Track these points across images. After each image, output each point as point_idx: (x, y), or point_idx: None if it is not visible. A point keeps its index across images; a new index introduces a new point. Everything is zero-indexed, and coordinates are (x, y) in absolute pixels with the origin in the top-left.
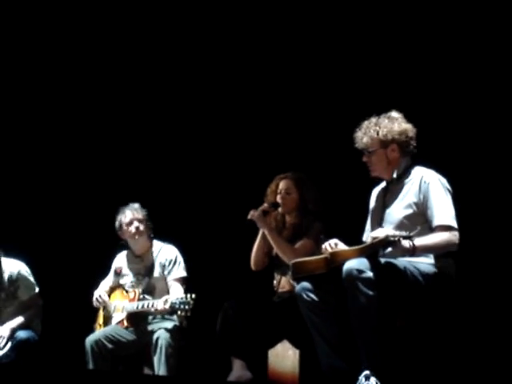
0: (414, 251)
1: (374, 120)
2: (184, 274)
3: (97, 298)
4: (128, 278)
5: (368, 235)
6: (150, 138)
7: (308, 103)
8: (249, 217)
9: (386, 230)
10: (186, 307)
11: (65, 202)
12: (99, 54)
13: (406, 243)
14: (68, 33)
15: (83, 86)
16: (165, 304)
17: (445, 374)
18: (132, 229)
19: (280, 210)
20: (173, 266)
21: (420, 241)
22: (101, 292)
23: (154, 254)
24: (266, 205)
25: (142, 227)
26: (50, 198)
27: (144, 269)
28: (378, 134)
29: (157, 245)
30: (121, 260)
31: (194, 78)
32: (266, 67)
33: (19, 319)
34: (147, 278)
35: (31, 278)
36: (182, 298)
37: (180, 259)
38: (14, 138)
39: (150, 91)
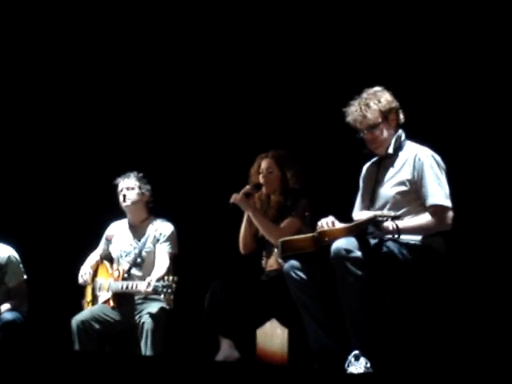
0: (397, 232)
1: (365, 96)
2: (174, 250)
3: (82, 276)
4: (118, 247)
5: (357, 212)
6: (137, 122)
7: (290, 79)
8: (231, 200)
9: (372, 212)
10: (169, 290)
11: (50, 177)
12: (97, 36)
13: (389, 225)
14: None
15: (77, 62)
16: (147, 287)
17: (435, 351)
18: (120, 196)
19: (263, 189)
20: (165, 241)
21: (405, 222)
22: (86, 269)
23: (149, 227)
24: (248, 187)
25: (130, 195)
26: (33, 173)
27: (136, 240)
28: (378, 106)
29: (154, 219)
30: (114, 228)
31: (179, 59)
32: (248, 45)
33: (6, 306)
34: (137, 249)
35: (20, 265)
36: (164, 281)
37: (174, 236)
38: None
39: (139, 76)
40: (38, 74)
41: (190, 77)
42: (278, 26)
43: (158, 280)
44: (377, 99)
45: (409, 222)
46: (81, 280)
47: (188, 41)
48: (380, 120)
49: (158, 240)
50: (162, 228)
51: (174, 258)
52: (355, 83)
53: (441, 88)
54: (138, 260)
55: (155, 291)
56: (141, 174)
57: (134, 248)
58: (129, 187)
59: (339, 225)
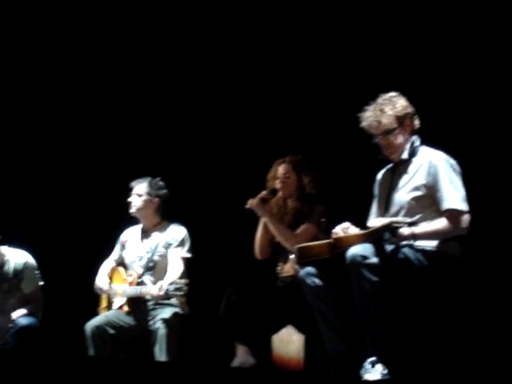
0: (413, 238)
1: (381, 101)
2: (188, 255)
3: (98, 285)
4: (131, 252)
5: (372, 220)
6: (152, 123)
7: (307, 86)
8: (247, 206)
9: (387, 219)
10: (180, 293)
11: (67, 182)
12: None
13: (405, 230)
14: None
15: (86, 61)
16: (159, 290)
17: (452, 359)
18: (130, 202)
19: (280, 194)
20: (178, 245)
21: (421, 227)
22: (102, 278)
23: (162, 232)
24: (264, 192)
25: (136, 202)
26: (50, 178)
27: (148, 245)
28: (393, 112)
29: (167, 224)
30: (128, 233)
31: (194, 60)
32: (265, 50)
33: (21, 311)
34: (149, 253)
35: (36, 271)
36: (175, 284)
37: (187, 240)
38: (11, 116)
39: (157, 81)
40: (55, 78)
41: (208, 81)
42: (295, 31)
43: (169, 284)
44: (392, 104)
45: (425, 227)
46: (98, 290)
47: (205, 46)
48: (395, 125)
49: (170, 244)
50: (174, 232)
51: (187, 262)
52: (371, 88)
53: (456, 92)
54: (150, 264)
55: (166, 294)
56: (155, 180)
57: (147, 252)
58: (137, 193)
59: (355, 231)
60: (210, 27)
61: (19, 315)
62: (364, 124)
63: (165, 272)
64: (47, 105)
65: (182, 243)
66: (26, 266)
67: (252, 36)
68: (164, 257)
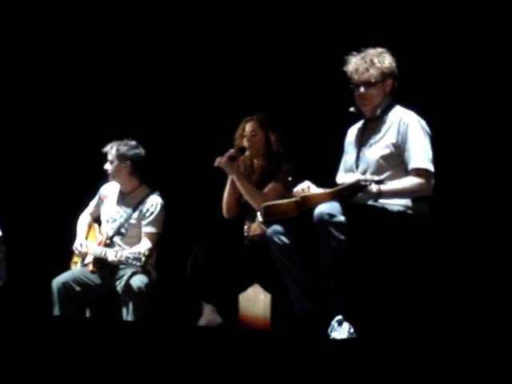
0: (380, 195)
1: (373, 51)
2: (156, 230)
3: (77, 247)
4: (106, 211)
5: (341, 176)
6: (122, 87)
7: (275, 44)
8: (215, 164)
9: (356, 175)
10: (138, 263)
11: (36, 139)
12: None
13: (373, 188)
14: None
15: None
16: (116, 256)
17: (418, 317)
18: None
19: (247, 153)
20: (151, 222)
21: (387, 185)
22: (81, 241)
23: (138, 199)
24: (232, 150)
25: (110, 169)
26: (15, 136)
27: (124, 208)
28: (381, 66)
29: (145, 191)
30: (108, 189)
31: (163, 21)
32: (230, 7)
33: None
34: (123, 219)
35: None
36: (134, 253)
37: (162, 215)
38: None
39: (122, 44)
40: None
41: (176, 41)
42: None
43: (129, 252)
44: (382, 59)
45: (391, 185)
46: (76, 251)
47: (168, 10)
48: (379, 79)
49: (144, 216)
50: (150, 204)
51: (157, 237)
52: (340, 45)
53: (429, 55)
54: (122, 230)
55: (125, 262)
56: (124, 141)
57: (121, 216)
58: (109, 160)
59: (316, 190)
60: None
61: None
62: (349, 68)
63: (135, 239)
64: (17, 72)
65: (155, 219)
66: None
67: None
68: (136, 226)
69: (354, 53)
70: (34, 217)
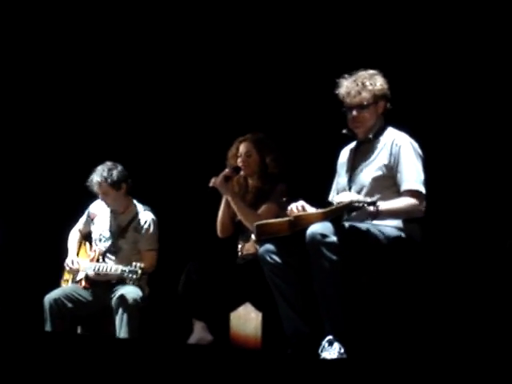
0: (378, 215)
1: (365, 74)
2: (152, 246)
3: (69, 264)
4: (97, 229)
5: (333, 196)
6: (115, 106)
7: (270, 63)
8: (210, 184)
9: (351, 195)
10: (134, 276)
11: (28, 152)
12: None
13: (370, 207)
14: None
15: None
16: (111, 270)
17: (408, 338)
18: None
19: (242, 173)
20: (145, 237)
21: (385, 205)
22: (73, 258)
23: (131, 216)
24: (227, 170)
25: (108, 199)
26: (13, 149)
27: (116, 227)
28: (373, 88)
29: (136, 207)
30: (97, 207)
31: (157, 39)
32: (229, 28)
33: None
34: (116, 237)
35: None
36: (130, 267)
37: (153, 229)
38: None
39: (115, 60)
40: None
41: (170, 59)
42: (261, 8)
43: (125, 265)
44: (373, 81)
45: (388, 204)
46: (67, 268)
47: (164, 22)
48: (371, 102)
49: (138, 233)
50: (143, 221)
51: (155, 254)
52: (333, 67)
53: (422, 77)
54: (114, 248)
55: (121, 276)
56: (106, 170)
57: (113, 235)
58: (103, 193)
59: (311, 209)
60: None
61: None
62: (341, 91)
63: (128, 256)
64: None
65: (150, 237)
66: None
67: (216, 12)
68: (129, 243)
69: (346, 75)
70: (25, 234)
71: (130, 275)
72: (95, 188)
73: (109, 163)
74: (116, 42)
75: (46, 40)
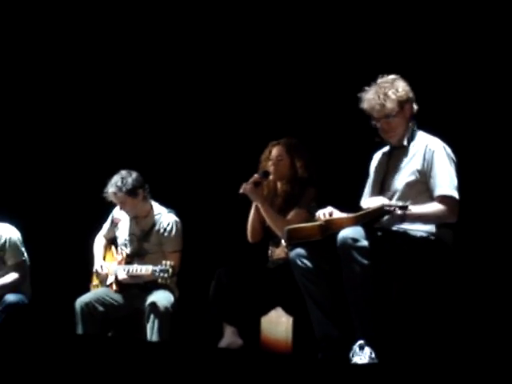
0: (405, 219)
1: (380, 85)
2: (176, 248)
3: (97, 270)
4: (122, 234)
5: (366, 200)
6: (149, 104)
7: (301, 67)
8: (241, 190)
9: (382, 199)
10: (166, 275)
11: (55, 160)
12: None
13: (398, 211)
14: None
15: (73, 52)
16: (142, 270)
17: (440, 343)
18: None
19: (271, 177)
20: (168, 239)
21: (414, 209)
22: (100, 262)
23: (153, 220)
24: (256, 176)
25: (128, 208)
26: (39, 159)
27: (140, 231)
28: (396, 96)
29: (158, 210)
30: (122, 212)
31: (187, 44)
32: (259, 32)
33: (4, 279)
34: (141, 241)
35: (20, 245)
36: (161, 265)
37: (177, 231)
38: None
39: (143, 61)
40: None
41: (202, 61)
42: (292, 13)
43: (156, 265)
44: (395, 88)
45: (417, 208)
46: (96, 273)
47: (196, 26)
48: (397, 110)
49: (162, 236)
50: (166, 223)
51: (179, 256)
52: (366, 72)
53: (456, 80)
54: (139, 252)
55: (152, 275)
56: (120, 178)
57: (138, 239)
58: (122, 202)
59: (339, 215)
60: (197, 9)
61: (4, 282)
62: (365, 106)
63: (154, 259)
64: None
65: (174, 239)
66: (10, 240)
67: (246, 18)
68: (154, 245)
69: (366, 88)
70: (57, 238)
71: (162, 274)
72: (112, 199)
73: (123, 172)
74: (136, 45)
75: (60, 46)
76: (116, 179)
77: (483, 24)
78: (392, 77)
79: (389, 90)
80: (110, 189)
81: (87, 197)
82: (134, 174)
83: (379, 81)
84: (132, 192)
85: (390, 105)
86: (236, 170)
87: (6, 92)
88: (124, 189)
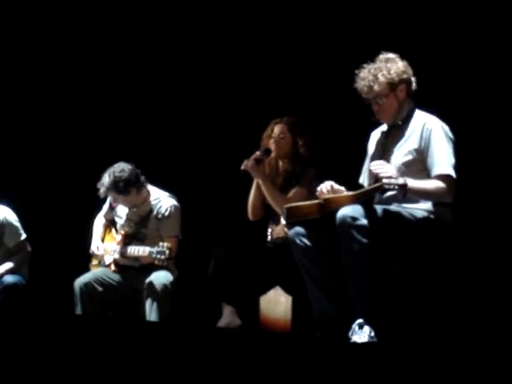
0: (406, 192)
1: (374, 65)
2: (174, 233)
3: (94, 251)
4: (119, 218)
5: (364, 178)
6: (147, 85)
7: (303, 46)
8: (242, 167)
9: (393, 168)
10: (162, 257)
11: (52, 143)
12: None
13: (400, 180)
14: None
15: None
16: (143, 252)
17: (440, 322)
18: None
19: (273, 154)
20: (166, 223)
21: (414, 183)
22: (98, 243)
23: (150, 206)
24: (258, 153)
25: (125, 202)
26: (36, 139)
27: (137, 217)
28: (386, 78)
29: (156, 195)
30: None
31: (183, 26)
32: (259, 11)
33: (7, 265)
34: (139, 226)
35: (17, 225)
36: (158, 247)
37: (175, 216)
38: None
39: (140, 45)
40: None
41: (202, 40)
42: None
43: (153, 247)
44: (386, 70)
45: (418, 183)
46: (93, 253)
47: (193, 11)
48: (387, 92)
49: (160, 220)
50: (164, 209)
51: (177, 240)
52: (368, 50)
53: (455, 59)
54: (139, 235)
55: (149, 256)
56: (111, 174)
57: (136, 224)
58: (115, 199)
59: (339, 189)
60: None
61: (5, 268)
62: (356, 86)
63: (151, 244)
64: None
65: (171, 223)
66: (6, 221)
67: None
68: (152, 230)
69: (364, 65)
70: (55, 219)
71: (159, 256)
72: (104, 196)
73: (115, 169)
74: (132, 40)
75: (57, 43)
76: (107, 178)
77: (484, 5)
78: (388, 56)
79: (379, 72)
80: (102, 188)
81: (87, 176)
82: (126, 172)
83: (376, 59)
84: (123, 191)
85: (377, 87)
86: (237, 148)
87: (3, 84)
88: (115, 190)
